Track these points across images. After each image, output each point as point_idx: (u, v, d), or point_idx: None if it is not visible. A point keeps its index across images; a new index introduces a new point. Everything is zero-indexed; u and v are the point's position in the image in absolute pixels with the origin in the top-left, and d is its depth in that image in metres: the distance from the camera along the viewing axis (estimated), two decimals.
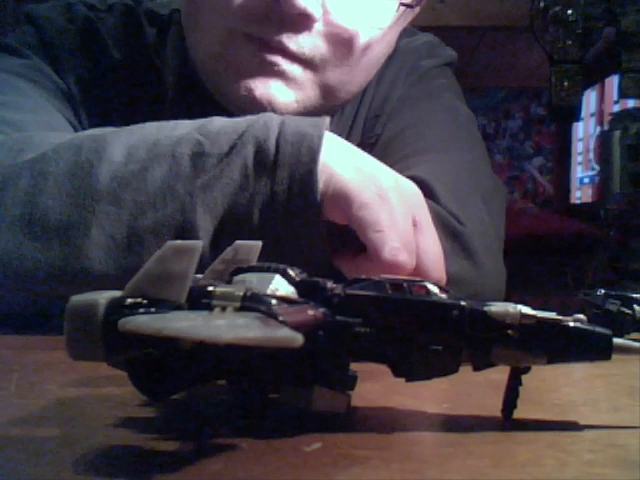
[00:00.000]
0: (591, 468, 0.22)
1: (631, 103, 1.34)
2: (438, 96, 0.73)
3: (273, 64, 0.57)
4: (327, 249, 0.45)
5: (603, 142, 1.44)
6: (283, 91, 0.58)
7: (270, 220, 0.45)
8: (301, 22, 0.56)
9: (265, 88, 0.57)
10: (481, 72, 2.97)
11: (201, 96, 0.63)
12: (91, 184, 0.46)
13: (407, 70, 0.74)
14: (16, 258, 0.46)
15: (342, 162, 0.46)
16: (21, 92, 0.61)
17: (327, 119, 0.48)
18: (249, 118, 0.48)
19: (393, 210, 0.44)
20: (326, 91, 0.60)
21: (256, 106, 0.56)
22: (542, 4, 1.21)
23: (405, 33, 0.77)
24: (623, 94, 1.19)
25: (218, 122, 0.48)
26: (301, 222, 0.45)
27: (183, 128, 0.48)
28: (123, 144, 0.47)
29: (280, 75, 0.57)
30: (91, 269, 0.45)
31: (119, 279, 0.45)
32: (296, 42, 0.56)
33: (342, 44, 0.58)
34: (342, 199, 0.44)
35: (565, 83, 1.18)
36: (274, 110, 0.56)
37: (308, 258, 0.45)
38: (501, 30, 2.43)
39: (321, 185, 0.44)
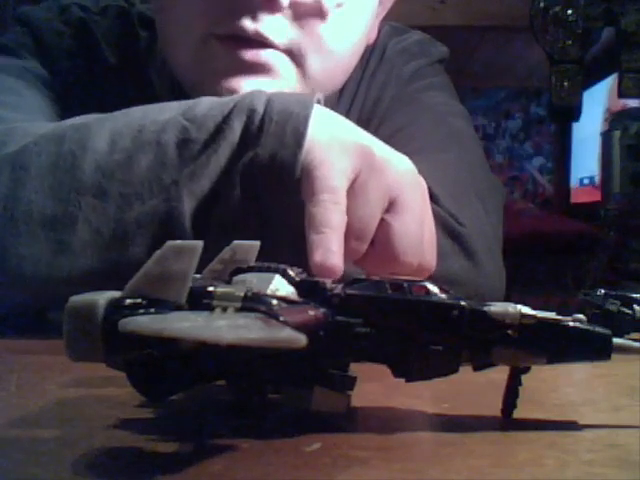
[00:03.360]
0: (591, 468, 0.22)
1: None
2: (430, 95, 0.72)
3: (253, 60, 0.56)
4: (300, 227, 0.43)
5: (603, 142, 1.44)
6: (267, 86, 0.56)
7: (250, 201, 0.45)
8: (270, 7, 0.55)
9: (248, 86, 0.55)
10: (481, 72, 2.97)
11: (191, 98, 0.62)
12: (75, 176, 0.45)
13: (398, 71, 0.73)
14: (0, 255, 0.45)
15: (323, 141, 0.44)
16: (17, 92, 0.61)
17: (317, 95, 0.47)
18: (234, 98, 0.47)
19: (364, 196, 0.42)
20: (311, 82, 0.59)
21: None
22: (542, 4, 1.21)
23: (394, 32, 0.77)
24: (623, 94, 1.19)
25: (205, 104, 0.47)
26: (280, 203, 0.44)
27: (169, 111, 0.47)
28: (107, 131, 0.46)
29: (263, 70, 0.56)
30: (77, 264, 0.45)
31: (105, 274, 0.45)
32: (271, 29, 0.55)
33: (312, 20, 0.57)
34: (309, 181, 0.42)
35: (565, 83, 1.18)
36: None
37: (283, 239, 0.43)
38: (501, 30, 2.43)
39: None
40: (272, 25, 0.56)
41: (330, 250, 0.39)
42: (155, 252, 0.23)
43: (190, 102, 0.48)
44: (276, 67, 0.57)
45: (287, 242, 0.43)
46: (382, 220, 0.43)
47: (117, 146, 0.46)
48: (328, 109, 0.47)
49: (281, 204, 0.44)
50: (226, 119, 0.45)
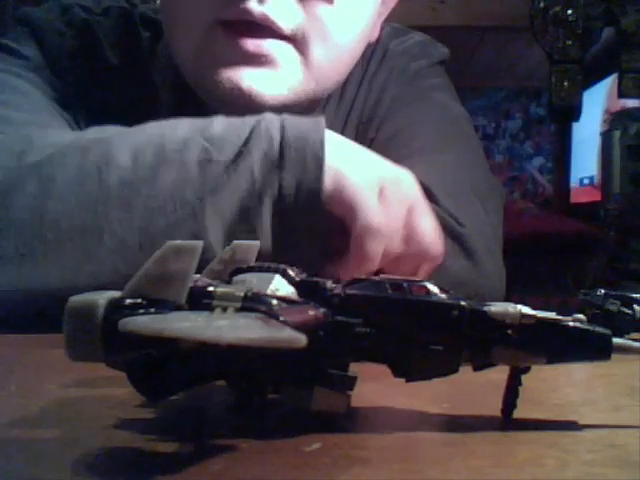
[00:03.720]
0: (591, 468, 0.22)
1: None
2: (431, 96, 0.72)
3: (255, 50, 0.56)
4: (326, 250, 0.47)
5: (603, 142, 1.44)
6: (270, 79, 0.57)
7: (277, 223, 0.46)
8: None
9: (251, 78, 0.56)
10: (481, 72, 2.97)
11: (193, 98, 0.62)
12: (101, 189, 0.46)
13: (398, 72, 0.73)
14: (27, 262, 0.46)
15: (346, 162, 0.47)
16: (20, 92, 0.62)
17: (323, 120, 0.48)
18: (248, 122, 0.48)
19: (390, 205, 0.46)
20: (315, 72, 0.60)
21: (243, 98, 0.56)
22: (542, 4, 1.21)
23: (395, 33, 0.77)
24: (623, 94, 1.19)
25: (219, 125, 0.48)
26: (307, 224, 0.46)
27: (184, 129, 0.48)
28: (128, 147, 0.47)
29: (264, 61, 0.57)
30: (103, 273, 0.45)
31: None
32: (277, 11, 0.55)
33: (318, 3, 0.58)
34: (343, 200, 0.46)
35: (565, 83, 1.18)
36: (264, 101, 0.56)
37: (307, 258, 0.45)
38: (501, 30, 2.43)
39: (327, 185, 0.46)
40: (278, 7, 0.56)
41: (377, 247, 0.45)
42: (155, 252, 0.23)
43: (203, 121, 0.49)
44: (277, 58, 0.57)
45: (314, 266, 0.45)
46: (407, 224, 0.48)
47: (139, 162, 0.47)
48: (333, 132, 0.50)
49: (308, 225, 0.47)
50: (245, 143, 0.47)
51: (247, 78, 0.56)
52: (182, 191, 0.46)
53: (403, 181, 0.49)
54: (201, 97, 0.61)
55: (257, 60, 0.56)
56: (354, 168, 0.47)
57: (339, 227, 0.46)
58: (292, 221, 0.46)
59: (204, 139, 0.47)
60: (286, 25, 0.56)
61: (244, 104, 0.55)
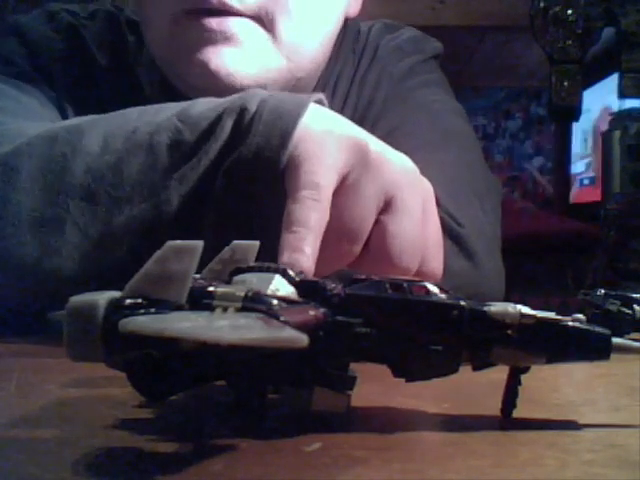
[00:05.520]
0: (591, 468, 0.22)
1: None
2: (426, 92, 0.71)
3: (219, 29, 0.56)
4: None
5: (603, 142, 1.44)
6: (237, 58, 0.57)
7: (241, 200, 0.44)
8: None
9: (218, 57, 0.56)
10: (481, 72, 2.97)
11: (181, 98, 0.62)
12: (65, 179, 0.45)
13: (391, 69, 0.72)
14: None
15: (315, 139, 0.42)
16: (13, 98, 0.62)
17: (319, 95, 0.46)
18: (230, 98, 0.46)
19: (356, 195, 0.40)
20: (285, 49, 0.59)
21: (214, 80, 0.56)
22: (542, 4, 1.21)
23: (386, 29, 0.76)
24: (623, 94, 1.19)
25: (201, 104, 0.47)
26: (268, 199, 0.43)
27: (164, 112, 0.47)
28: (100, 133, 0.46)
29: (230, 39, 0.57)
30: (64, 268, 0.45)
31: (91, 278, 0.45)
32: None
33: None
34: (289, 180, 0.40)
35: (565, 83, 1.18)
36: (234, 82, 0.56)
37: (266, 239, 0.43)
38: (501, 30, 2.43)
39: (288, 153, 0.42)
40: None
41: (301, 251, 0.36)
42: (155, 252, 0.23)
43: (187, 103, 0.48)
44: (242, 36, 0.57)
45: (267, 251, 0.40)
46: (377, 221, 0.41)
47: (109, 148, 0.45)
48: (327, 109, 0.46)
49: (270, 203, 0.42)
50: (218, 118, 0.45)
51: (214, 58, 0.56)
52: (150, 178, 0.44)
53: (386, 167, 0.42)
54: (182, 91, 0.61)
55: (222, 38, 0.56)
56: (323, 147, 0.41)
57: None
58: (249, 199, 0.43)
59: (179, 120, 0.46)
60: (245, 7, 0.57)
61: (216, 86, 0.55)
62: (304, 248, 0.36)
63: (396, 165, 0.43)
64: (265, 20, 0.58)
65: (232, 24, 0.57)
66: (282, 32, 0.59)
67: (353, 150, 0.41)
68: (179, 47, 0.58)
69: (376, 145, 0.43)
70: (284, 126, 0.42)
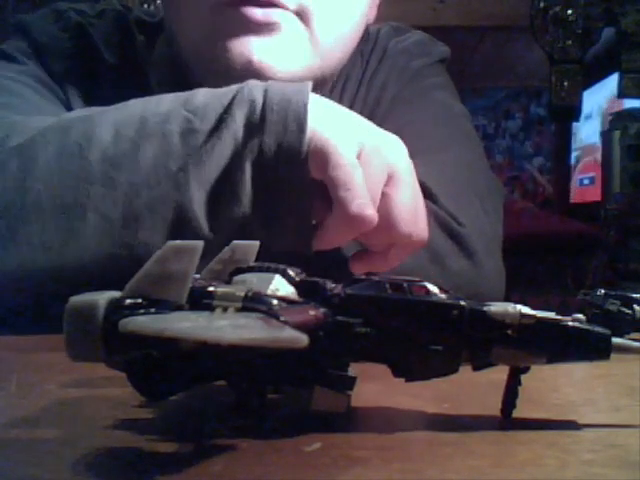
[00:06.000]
0: (591, 468, 0.22)
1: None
2: (431, 95, 0.72)
3: (264, 19, 0.56)
4: (310, 212, 0.46)
5: (603, 142, 1.44)
6: (280, 51, 0.57)
7: (259, 188, 0.46)
8: None
9: (262, 48, 0.56)
10: (481, 72, 2.97)
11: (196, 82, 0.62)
12: (83, 166, 0.46)
13: (398, 71, 0.73)
14: (11, 244, 0.45)
15: (325, 122, 0.45)
16: (18, 95, 0.62)
17: (309, 83, 0.48)
18: (232, 89, 0.48)
19: (368, 169, 0.44)
20: (319, 48, 0.60)
21: (254, 70, 0.56)
22: (542, 4, 1.21)
23: (395, 32, 0.77)
24: (623, 94, 1.19)
25: (202, 95, 0.48)
26: (290, 188, 0.45)
27: (167, 103, 0.48)
28: (110, 123, 0.47)
29: (272, 29, 0.57)
30: (89, 250, 0.45)
31: (116, 259, 0.46)
32: None
33: None
34: (319, 158, 0.44)
35: (565, 83, 1.18)
36: (274, 76, 0.56)
37: (292, 222, 0.45)
38: (501, 30, 2.43)
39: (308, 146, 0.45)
40: None
41: (365, 202, 0.42)
42: (156, 252, 0.23)
43: (186, 94, 0.49)
44: (286, 27, 0.57)
45: (293, 233, 0.45)
46: (382, 193, 0.45)
47: (121, 137, 0.47)
48: (320, 96, 0.48)
49: (290, 188, 0.45)
50: (227, 109, 0.46)
51: (257, 51, 0.56)
52: (165, 163, 0.46)
53: (383, 146, 0.46)
54: (202, 83, 0.61)
55: (266, 29, 0.57)
56: (334, 129, 0.45)
57: (321, 195, 0.45)
58: (274, 185, 0.45)
59: (186, 110, 0.47)
60: (288, 1, 0.57)
61: (257, 76, 0.55)
62: (365, 199, 0.42)
63: (393, 143, 0.48)
64: (305, 17, 0.58)
65: (276, 15, 0.57)
66: (320, 32, 0.59)
67: (360, 131, 0.46)
68: (218, 39, 0.57)
69: (374, 127, 0.48)
70: (296, 112, 0.45)
